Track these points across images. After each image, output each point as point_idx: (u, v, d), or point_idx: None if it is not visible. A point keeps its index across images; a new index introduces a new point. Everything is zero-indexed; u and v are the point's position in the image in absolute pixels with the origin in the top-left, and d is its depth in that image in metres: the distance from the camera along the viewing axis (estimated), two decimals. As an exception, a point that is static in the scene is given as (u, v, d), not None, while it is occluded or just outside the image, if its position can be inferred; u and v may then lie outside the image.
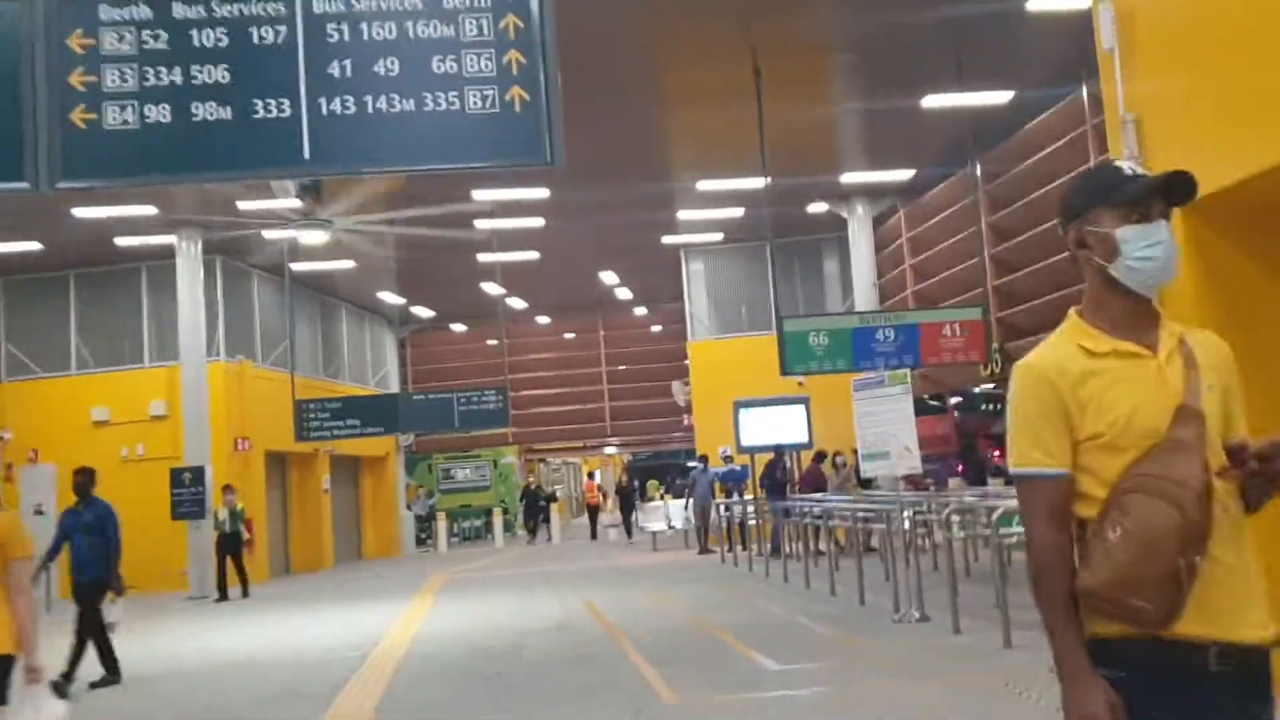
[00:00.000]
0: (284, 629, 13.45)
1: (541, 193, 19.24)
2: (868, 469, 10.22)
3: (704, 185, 19.51)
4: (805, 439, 19.38)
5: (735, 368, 23.95)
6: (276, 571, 24.10)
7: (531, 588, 16.41)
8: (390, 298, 27.88)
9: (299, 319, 25.99)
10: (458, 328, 32.99)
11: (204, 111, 4.87)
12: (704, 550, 20.33)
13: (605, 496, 34.27)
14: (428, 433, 32.04)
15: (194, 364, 19.90)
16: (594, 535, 30.57)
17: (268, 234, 20.19)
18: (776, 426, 19.44)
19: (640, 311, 32.57)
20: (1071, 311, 2.56)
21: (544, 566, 20.69)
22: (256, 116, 4.87)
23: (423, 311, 30.43)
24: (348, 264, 23.83)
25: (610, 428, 32.95)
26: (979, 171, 18.15)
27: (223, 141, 4.88)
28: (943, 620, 9.58)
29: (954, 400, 24.65)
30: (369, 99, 4.94)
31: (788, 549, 15.63)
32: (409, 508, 34.03)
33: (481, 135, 5.07)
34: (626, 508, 28.90)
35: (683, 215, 21.72)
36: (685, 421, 27.72)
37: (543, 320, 32.99)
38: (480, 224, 21.05)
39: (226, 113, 4.86)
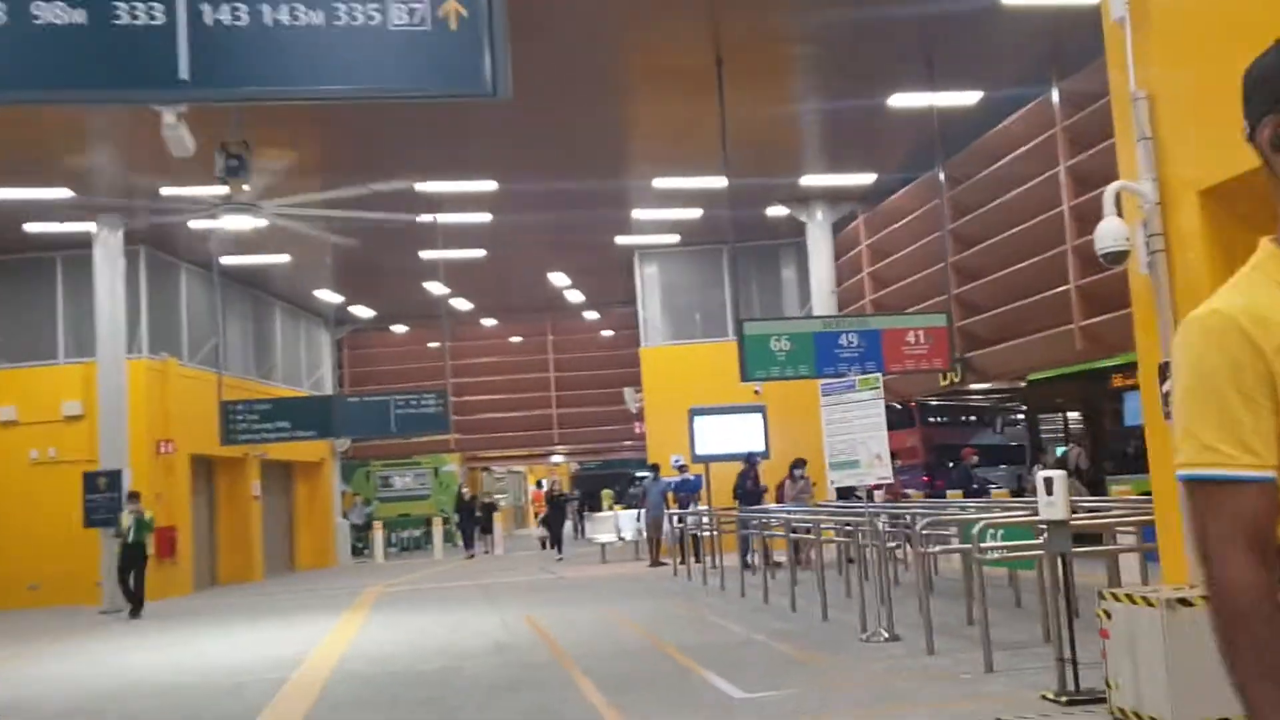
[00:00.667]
0: (199, 648, 12.35)
1: (488, 185, 18.32)
2: (836, 478, 9.42)
3: (661, 183, 18.72)
4: (762, 448, 18.61)
5: (689, 375, 23.18)
6: (202, 583, 22.82)
7: (471, 602, 15.44)
8: (327, 296, 26.74)
9: (229, 316, 24.76)
10: (399, 329, 31.86)
11: (49, 13, 3.91)
12: (655, 563, 19.47)
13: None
14: (364, 437, 30.88)
15: (112, 361, 18.65)
16: (544, 545, 29.50)
17: (194, 223, 19.04)
18: (733, 435, 18.66)
19: (591, 316, 31.68)
20: (1264, 241, 1.72)
21: (485, 579, 19.70)
22: (119, 23, 3.91)
23: (362, 311, 29.30)
24: (282, 258, 22.69)
25: (558, 435, 31.99)
26: (943, 176, 17.57)
27: (74, 52, 3.91)
28: (914, 639, 8.83)
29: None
30: (265, 7, 4.02)
31: (751, 562, 14.79)
32: (345, 516, 32.80)
33: (408, 56, 4.17)
34: (556, 520, 27.03)
35: (638, 215, 20.91)
36: (636, 430, 26.87)
37: (489, 323, 31.97)
38: (424, 218, 20.07)
39: (79, 15, 3.90)
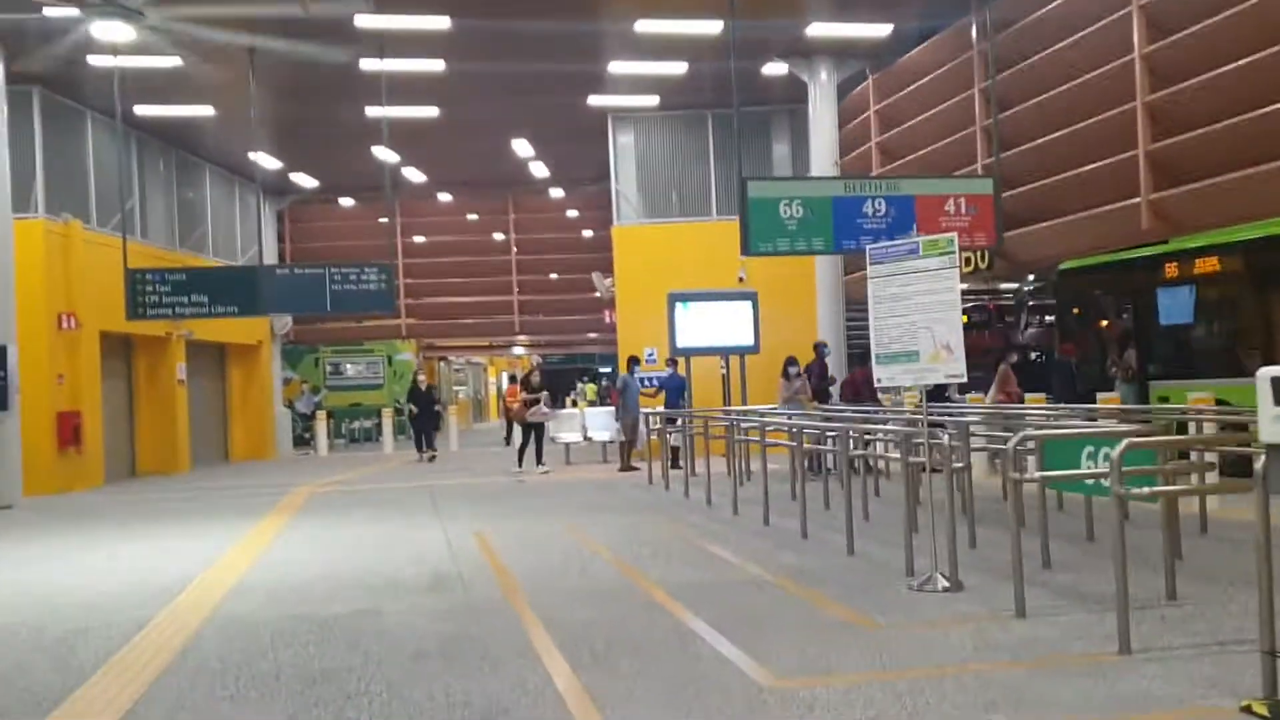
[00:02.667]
0: (58, 565, 10.01)
1: (441, 22, 15.49)
2: (883, 374, 7.09)
3: (644, 26, 15.96)
4: (751, 342, 16.31)
5: (667, 259, 20.74)
6: (117, 474, 20.44)
7: (413, 510, 13.17)
8: (265, 160, 23.75)
9: (150, 178, 21.87)
10: (346, 202, 29.01)
11: None
12: (627, 467, 17.24)
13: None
14: (304, 318, 28.29)
15: (-6, 219, 15.87)
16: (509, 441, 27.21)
17: (95, 60, 16.09)
18: (717, 326, 16.32)
19: (557, 193, 28.95)
20: None
21: (435, 479, 17.43)
22: None
23: (305, 180, 26.37)
24: (204, 110, 19.75)
25: (519, 324, 29.53)
26: (976, 25, 14.98)
27: None
28: (983, 590, 6.66)
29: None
30: None
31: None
32: (291, 405, 30.40)
33: None
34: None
35: (615, 69, 18.13)
36: (607, 319, 24.46)
37: (445, 198, 29.15)
38: (367, 64, 17.21)
39: None
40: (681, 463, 14.75)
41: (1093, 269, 14.61)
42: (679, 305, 16.15)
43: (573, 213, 29.12)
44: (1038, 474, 6.09)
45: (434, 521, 11.80)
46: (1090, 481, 6.24)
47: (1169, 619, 5.87)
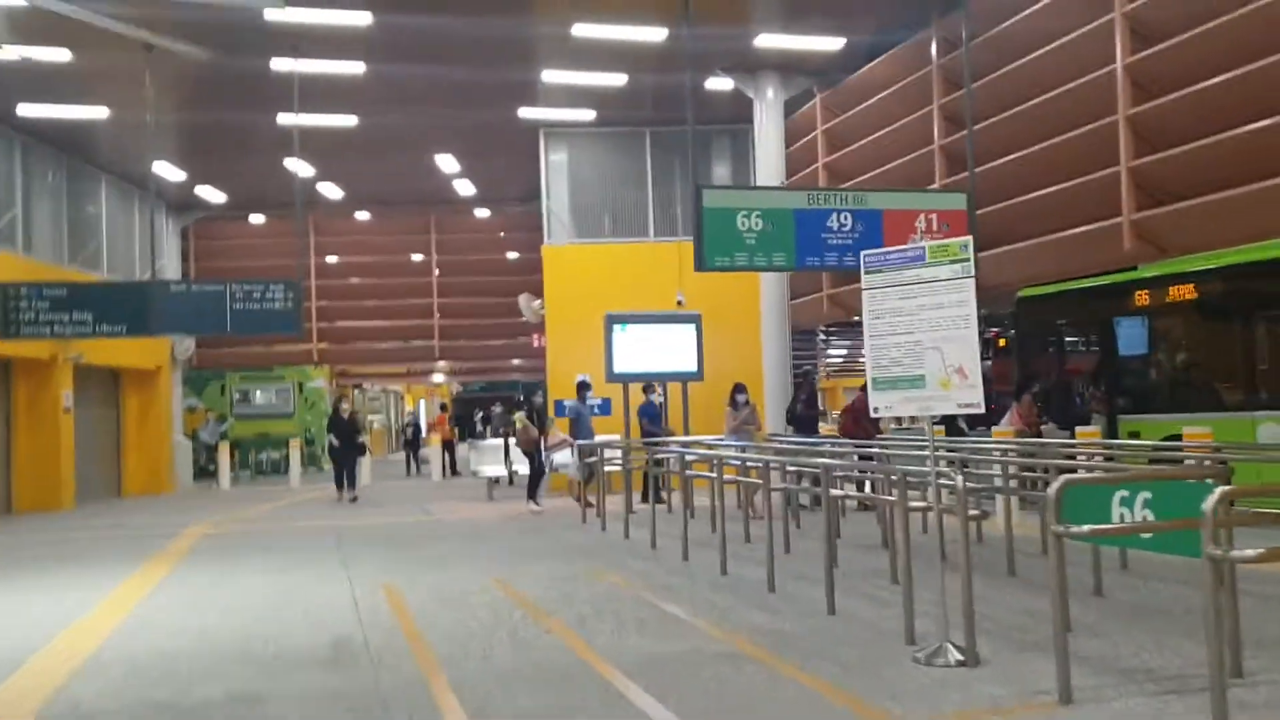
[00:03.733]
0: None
1: (361, 17, 14.16)
2: (880, 402, 5.94)
3: (582, 30, 14.81)
4: (694, 368, 15.14)
5: (601, 280, 19.54)
6: (-13, 511, 18.49)
7: (316, 554, 11.66)
8: (167, 171, 22.06)
9: (36, 187, 20.03)
10: (256, 219, 27.26)
11: None
12: (585, 502, 15.69)
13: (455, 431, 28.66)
14: (201, 338, 26.41)
15: None
16: (447, 471, 25.84)
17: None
18: (658, 351, 15.14)
19: (483, 213, 27.58)
20: None
21: (344, 518, 15.88)
22: None
23: (211, 194, 24.64)
24: (97, 111, 18.05)
25: (440, 349, 27.99)
26: (935, 39, 14.14)
27: None
28: (1006, 664, 5.52)
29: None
30: None
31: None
32: (194, 435, 28.44)
33: None
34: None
35: (549, 78, 16.92)
36: (535, 342, 23.12)
37: (363, 216, 27.59)
38: (279, 64, 15.77)
39: None
40: (664, 495, 13.67)
41: (1055, 296, 13.78)
42: (616, 328, 14.94)
43: (499, 234, 27.76)
44: (1087, 528, 4.93)
45: (339, 571, 10.34)
46: (1147, 536, 5.12)
47: (1248, 704, 4.77)
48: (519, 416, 16.07)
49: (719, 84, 17.39)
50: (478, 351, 29.37)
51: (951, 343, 5.62)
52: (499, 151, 21.49)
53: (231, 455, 27.12)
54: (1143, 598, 7.34)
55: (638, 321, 15.27)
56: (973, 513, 6.61)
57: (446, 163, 22.34)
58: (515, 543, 12.18)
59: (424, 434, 32.07)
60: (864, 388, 12.52)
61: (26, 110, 17.82)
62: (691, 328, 15.21)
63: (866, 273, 5.94)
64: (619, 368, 14.87)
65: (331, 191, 24.55)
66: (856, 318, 19.70)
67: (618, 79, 17.08)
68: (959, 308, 5.61)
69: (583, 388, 15.82)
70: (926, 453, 6.29)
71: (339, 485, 19.24)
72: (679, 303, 19.10)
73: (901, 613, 6.30)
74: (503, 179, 23.95)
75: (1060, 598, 4.89)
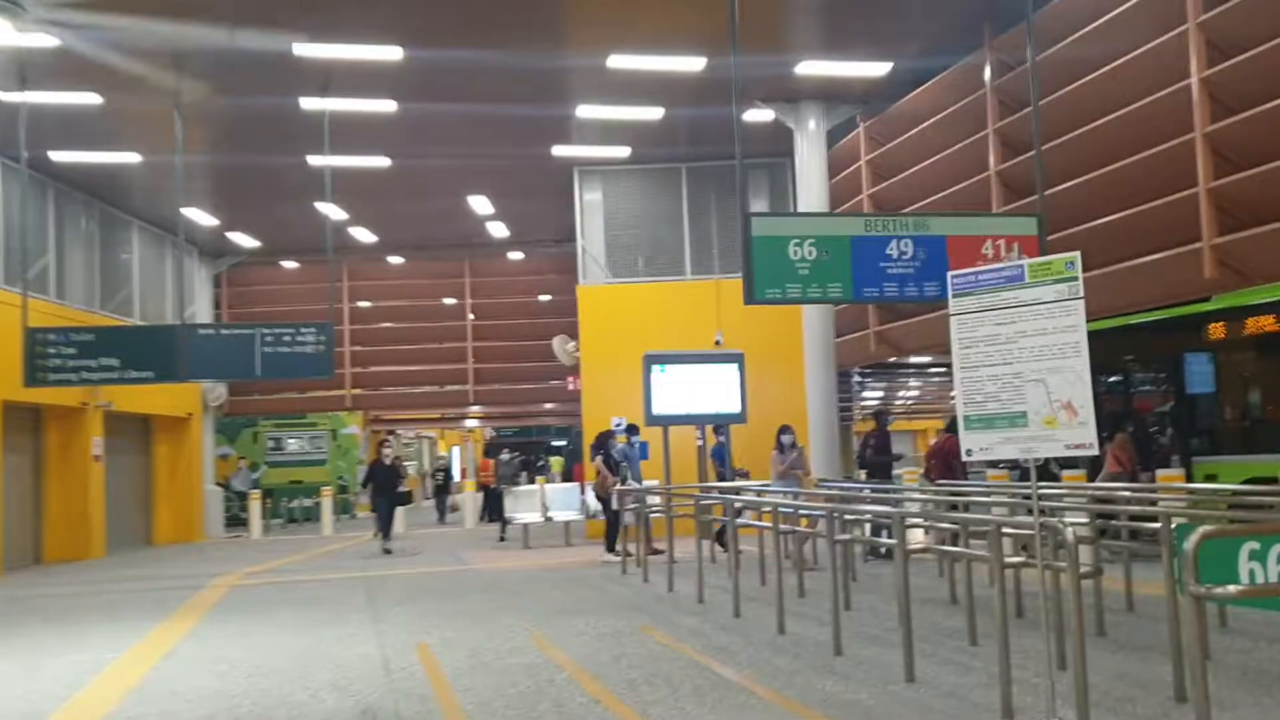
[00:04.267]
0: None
1: (392, 53, 13.81)
2: (974, 444, 5.29)
3: (618, 61, 14.38)
4: (738, 409, 14.49)
5: (636, 321, 19.03)
6: (19, 563, 18.07)
7: (345, 609, 11.08)
8: (199, 217, 21.83)
9: (69, 234, 19.83)
10: (289, 264, 27.03)
11: None
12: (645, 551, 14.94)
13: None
14: (234, 385, 26.09)
15: None
16: (485, 518, 25.21)
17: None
18: (699, 392, 14.51)
19: (516, 255, 27.19)
20: None
21: (376, 568, 15.30)
22: None
23: (244, 240, 24.42)
24: (129, 157, 17.83)
25: (474, 394, 27.52)
26: (990, 59, 13.58)
27: None
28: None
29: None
30: None
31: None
32: (225, 483, 28.06)
33: None
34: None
35: (584, 113, 16.51)
36: (570, 385, 22.58)
37: (395, 260, 27.29)
38: (309, 104, 15.46)
39: None
40: (726, 545, 13.04)
41: (1121, 331, 13.06)
42: (655, 368, 14.33)
43: (533, 276, 27.34)
44: (1234, 588, 4.26)
45: (369, 627, 9.74)
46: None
47: None
48: (597, 462, 15.41)
49: (757, 115, 16.90)
50: (511, 395, 28.89)
51: (1058, 374, 4.99)
52: (532, 192, 21.11)
53: (264, 503, 26.70)
54: (1259, 661, 6.57)
55: (678, 361, 14.67)
56: (1085, 567, 5.88)
57: (480, 204, 21.98)
58: (554, 595, 11.52)
59: (455, 479, 31.58)
60: (950, 428, 11.87)
61: (59, 156, 17.62)
62: (734, 368, 14.59)
63: (955, 295, 5.33)
64: (658, 409, 14.24)
65: (364, 235, 24.25)
66: (895, 358, 19.05)
67: (654, 113, 16.64)
68: (1066, 334, 4.99)
69: (631, 430, 15.20)
70: (1020, 500, 5.62)
71: (384, 532, 17.66)
72: (717, 342, 18.53)
73: (987, 679, 5.62)
74: (536, 220, 23.57)
75: (1200, 671, 4.19)
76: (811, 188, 16.28)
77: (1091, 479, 11.30)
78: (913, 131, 15.44)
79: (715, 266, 19.61)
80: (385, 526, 17.74)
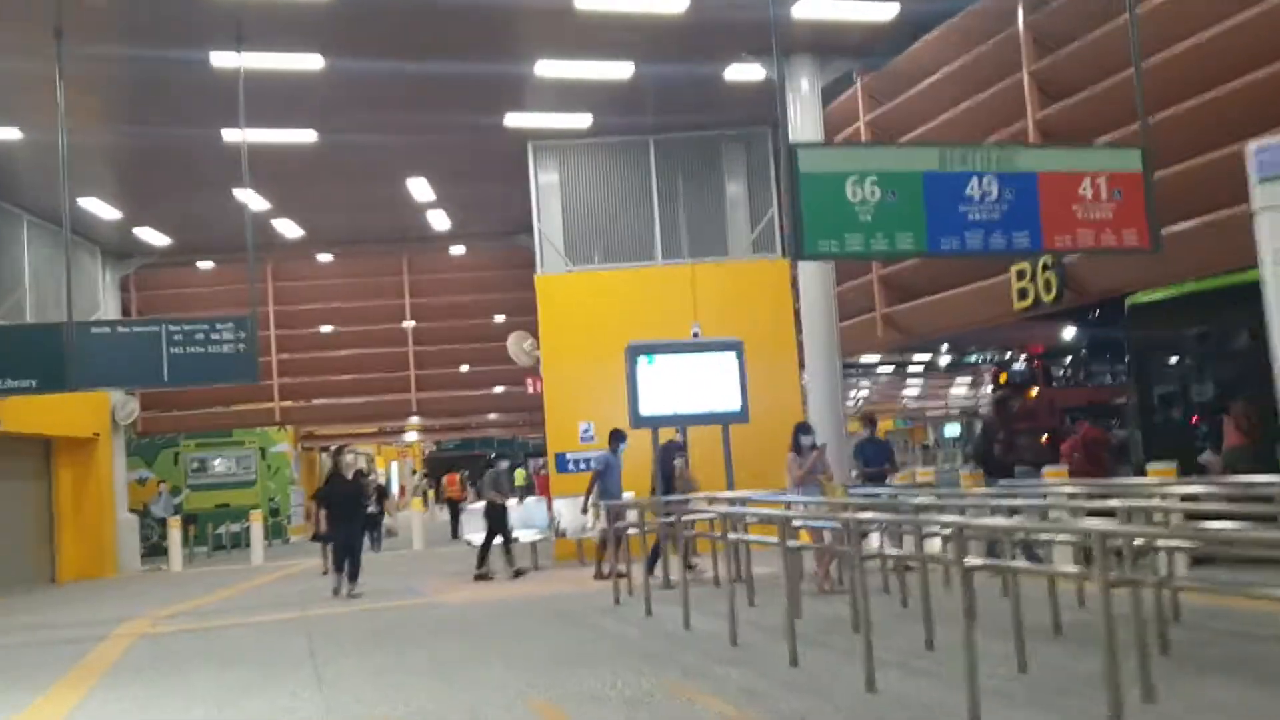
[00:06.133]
0: None
1: (318, -10, 11.55)
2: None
3: (585, 2, 12.27)
4: (738, 406, 12.44)
5: (603, 312, 16.91)
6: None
7: (283, 666, 8.79)
8: (99, 209, 19.22)
9: (-61, 224, 17.13)
10: (205, 265, 24.40)
11: None
12: (603, 574, 12.66)
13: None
14: (140, 394, 23.36)
15: None
16: (455, 534, 23.19)
17: None
18: (693, 387, 12.44)
19: (459, 250, 24.88)
20: None
21: (314, 607, 12.94)
22: None
23: (153, 237, 21.79)
24: (9, 132, 15.25)
25: (417, 403, 25.11)
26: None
27: None
28: None
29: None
30: None
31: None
32: (144, 510, 25.36)
33: None
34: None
35: (542, 70, 14.33)
36: (530, 389, 20.35)
37: (324, 258, 24.81)
38: (220, 59, 13.11)
39: None
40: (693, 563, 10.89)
41: (1180, 301, 11.28)
42: (642, 360, 12.22)
43: (480, 272, 25.01)
44: None
45: (313, 693, 7.48)
46: None
47: None
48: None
49: (738, 75, 14.94)
50: (460, 404, 26.56)
51: None
52: (480, 174, 18.88)
53: (186, 530, 24.04)
54: None
55: (668, 351, 12.57)
56: None
57: (420, 189, 19.67)
58: (544, 637, 9.34)
59: (390, 498, 29.16)
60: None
61: (-78, 133, 15.04)
62: (732, 357, 12.54)
63: (1263, 180, 3.30)
64: (647, 409, 12.12)
65: (289, 229, 21.77)
66: (906, 347, 17.20)
67: (622, 70, 14.53)
68: None
69: (617, 438, 13.07)
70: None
71: (339, 569, 13.76)
72: (694, 334, 16.48)
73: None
74: (483, 208, 21.32)
75: None
76: (805, 153, 14.29)
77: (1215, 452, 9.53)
78: (924, 84, 13.55)
79: (688, 249, 17.57)
80: (348, 562, 13.68)
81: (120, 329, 12.44)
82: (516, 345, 20.30)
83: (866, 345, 16.04)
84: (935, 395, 60.40)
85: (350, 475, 14.26)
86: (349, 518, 13.89)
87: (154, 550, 24.45)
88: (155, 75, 13.71)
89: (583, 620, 10.12)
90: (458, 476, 26.56)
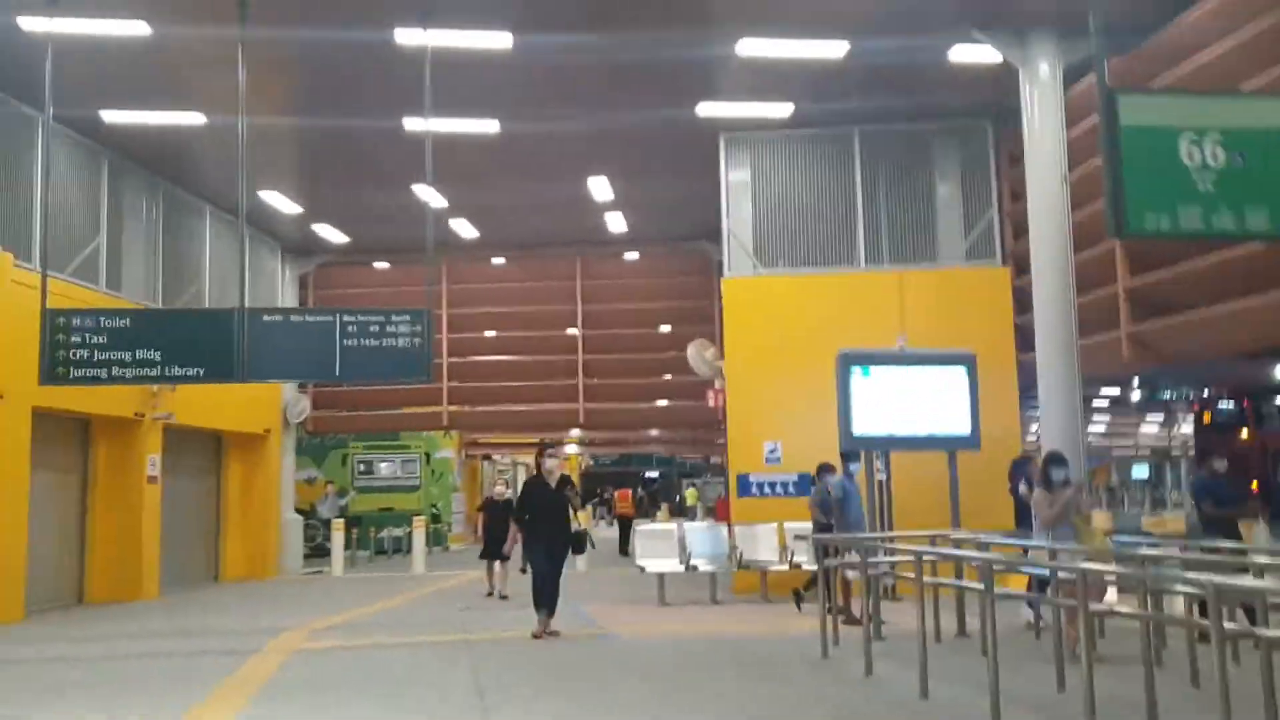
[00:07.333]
0: None
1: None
2: None
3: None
4: (967, 430, 10.75)
5: (797, 321, 15.42)
6: (57, 603, 15.15)
7: (446, 702, 7.64)
8: (279, 202, 18.88)
9: (125, 211, 16.97)
10: (381, 265, 24.02)
11: None
12: (851, 619, 11.04)
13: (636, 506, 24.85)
14: (312, 391, 23.06)
15: None
16: (624, 551, 22.80)
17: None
18: (914, 406, 10.82)
19: (635, 255, 23.78)
20: None
21: (477, 629, 11.85)
22: None
23: (331, 234, 21.43)
24: (193, 119, 14.83)
25: (584, 414, 24.07)
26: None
27: None
28: None
29: None
30: None
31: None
32: (309, 510, 25.25)
33: None
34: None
35: (744, 50, 12.98)
36: (712, 401, 18.98)
37: (497, 261, 24.09)
38: (405, 36, 12.26)
39: None
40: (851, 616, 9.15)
41: None
42: (856, 371, 10.69)
43: (656, 279, 23.81)
44: None
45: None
46: None
47: None
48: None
49: (962, 56, 13.27)
50: (626, 418, 25.45)
51: None
52: (663, 171, 17.69)
53: (349, 533, 23.65)
54: None
55: (886, 362, 10.99)
56: None
57: (600, 188, 18.60)
58: (746, 694, 7.88)
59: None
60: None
61: (111, 116, 14.76)
62: (961, 373, 10.87)
63: None
64: (861, 427, 10.56)
65: (465, 230, 21.08)
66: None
67: (835, 49, 13.04)
68: None
69: (848, 460, 11.49)
70: None
71: (542, 605, 10.90)
72: (900, 346, 14.77)
73: None
74: (662, 209, 20.12)
75: None
76: (1043, 147, 12.52)
77: None
78: (1195, 59, 11.54)
79: (895, 254, 15.90)
80: (545, 595, 10.88)
81: (293, 318, 11.64)
82: (697, 354, 18.96)
83: (1107, 368, 14.01)
84: (1122, 433, 56.56)
85: (554, 484, 11.18)
86: (551, 536, 10.98)
87: (318, 551, 24.18)
88: (337, 55, 12.98)
89: (787, 675, 8.61)
90: (629, 493, 25.45)
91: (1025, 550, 9.45)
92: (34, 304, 11.24)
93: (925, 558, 8.19)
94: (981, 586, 6.89)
